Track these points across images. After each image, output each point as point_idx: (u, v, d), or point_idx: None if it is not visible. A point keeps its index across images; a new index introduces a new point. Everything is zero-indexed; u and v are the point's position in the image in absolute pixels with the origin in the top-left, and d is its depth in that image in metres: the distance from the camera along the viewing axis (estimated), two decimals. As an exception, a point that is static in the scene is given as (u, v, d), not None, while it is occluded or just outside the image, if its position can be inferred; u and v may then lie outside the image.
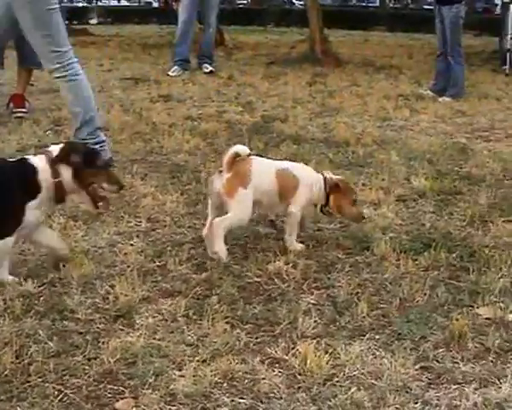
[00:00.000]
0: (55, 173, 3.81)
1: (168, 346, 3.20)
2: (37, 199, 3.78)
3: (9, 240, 3.77)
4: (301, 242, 4.42)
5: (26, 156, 3.94)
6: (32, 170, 3.78)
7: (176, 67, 12.71)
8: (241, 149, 4.23)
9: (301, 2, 39.13)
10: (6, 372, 2.98)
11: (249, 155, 4.28)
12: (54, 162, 3.81)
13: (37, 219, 3.84)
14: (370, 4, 51.36)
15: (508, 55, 13.83)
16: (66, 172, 3.83)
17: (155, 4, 46.73)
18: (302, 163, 4.68)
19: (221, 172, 4.18)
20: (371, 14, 35.13)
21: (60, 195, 3.87)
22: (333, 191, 4.40)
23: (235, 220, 4.20)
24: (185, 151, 6.66)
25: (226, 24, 23.14)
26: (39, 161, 3.82)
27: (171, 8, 17.48)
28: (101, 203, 4.01)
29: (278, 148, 6.84)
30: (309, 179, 4.41)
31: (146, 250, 4.28)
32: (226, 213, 4.17)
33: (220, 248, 4.14)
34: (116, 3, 54.08)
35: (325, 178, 4.43)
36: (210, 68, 12.95)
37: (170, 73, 12.53)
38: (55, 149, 3.87)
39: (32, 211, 3.77)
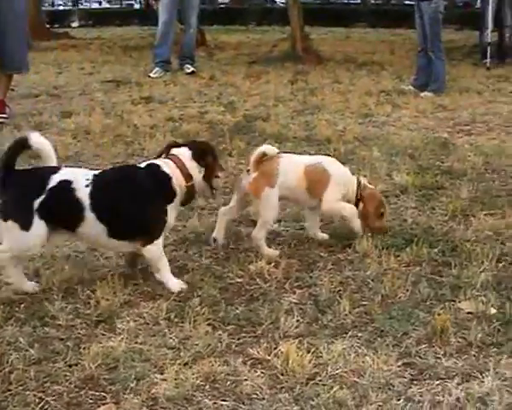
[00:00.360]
0: (188, 177, 3.89)
1: (150, 350, 3.19)
2: (174, 202, 3.87)
3: (160, 242, 3.83)
4: (283, 241, 4.43)
5: (154, 162, 3.94)
6: (167, 176, 3.84)
7: (157, 69, 12.69)
8: (269, 148, 4.30)
9: (282, 1, 39.12)
10: (-15, 382, 2.97)
11: (279, 153, 4.35)
12: (185, 166, 3.90)
13: (174, 220, 3.95)
14: (352, 1, 51.35)
15: (488, 48, 13.88)
16: (197, 174, 3.93)
17: (137, 6, 46.64)
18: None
19: (248, 171, 4.24)
20: (353, 11, 35.14)
21: (190, 196, 3.99)
22: (364, 198, 4.42)
23: (266, 224, 4.28)
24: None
25: (208, 24, 23.14)
26: (170, 166, 3.88)
27: (152, 8, 17.48)
28: (215, 189, 4.15)
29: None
30: (342, 177, 4.45)
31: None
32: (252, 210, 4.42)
33: (268, 253, 4.22)
34: (98, 6, 53.88)
35: (359, 183, 4.46)
36: (191, 69, 12.93)
37: (151, 74, 12.51)
38: (181, 153, 3.93)
39: (172, 214, 3.87)
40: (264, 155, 4.22)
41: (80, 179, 3.72)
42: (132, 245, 3.83)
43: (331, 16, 31.19)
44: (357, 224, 4.42)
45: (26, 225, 3.61)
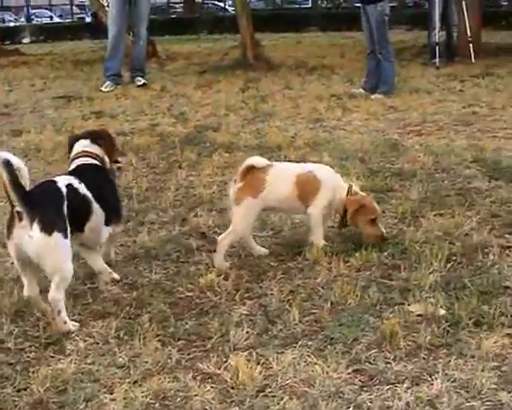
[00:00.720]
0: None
1: (99, 369, 3.17)
2: None
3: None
4: (233, 253, 4.43)
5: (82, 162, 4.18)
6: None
7: (108, 83, 12.62)
8: (258, 161, 4.35)
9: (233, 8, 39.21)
10: None
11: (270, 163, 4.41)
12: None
13: None
14: (303, 6, 51.56)
15: (437, 48, 14.00)
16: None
17: (88, 19, 46.39)
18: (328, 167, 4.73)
19: (235, 181, 4.30)
20: (303, 16, 35.15)
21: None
22: (347, 204, 4.44)
23: (236, 232, 4.32)
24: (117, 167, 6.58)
25: (159, 34, 23.08)
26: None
27: (102, 21, 17.40)
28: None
29: (211, 157, 6.83)
30: (332, 183, 4.48)
31: (77, 273, 4.20)
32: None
33: (220, 264, 4.24)
34: (49, 21, 53.54)
35: (349, 188, 4.48)
36: (142, 81, 12.87)
37: (102, 88, 12.44)
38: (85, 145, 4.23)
39: None
40: (252, 167, 4.25)
41: (73, 181, 3.88)
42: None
43: (282, 22, 31.26)
44: (317, 233, 4.44)
45: (66, 234, 3.61)
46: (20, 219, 3.51)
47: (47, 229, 3.51)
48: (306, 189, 4.40)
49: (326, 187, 4.42)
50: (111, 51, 13.01)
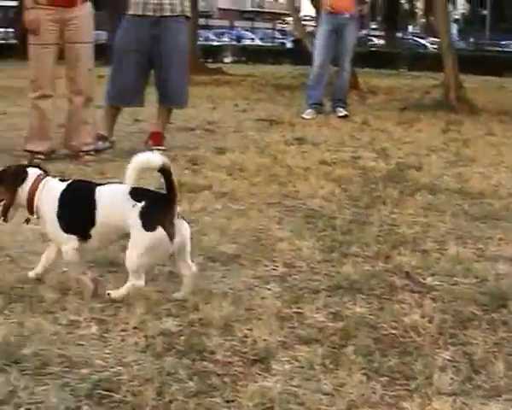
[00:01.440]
0: None
1: (305, 394, 3.25)
2: None
3: None
4: (437, 296, 4.43)
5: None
6: None
7: (310, 110, 12.88)
8: None
9: (435, 46, 38.91)
10: (147, 409, 3.10)
11: None
12: None
13: None
14: (506, 49, 50.48)
15: None
16: None
17: (289, 45, 47.29)
18: None
19: None
20: (507, 60, 34.48)
21: None
22: None
23: None
24: (320, 196, 6.73)
25: (359, 66, 23.27)
26: None
27: (304, 47, 17.70)
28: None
29: (413, 197, 6.84)
30: None
31: (283, 296, 4.36)
32: None
33: None
34: (250, 42, 54.97)
35: None
36: (344, 112, 13.04)
37: (304, 115, 12.70)
38: None
39: None
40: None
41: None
42: None
43: (484, 64, 30.77)
44: None
45: None
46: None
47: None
48: None
49: None
50: (314, 80, 13.28)
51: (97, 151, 8.57)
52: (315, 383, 3.36)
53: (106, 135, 8.91)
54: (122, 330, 3.85)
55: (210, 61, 32.21)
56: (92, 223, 4.16)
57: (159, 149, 8.58)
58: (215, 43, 49.13)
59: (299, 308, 4.17)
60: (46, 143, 8.22)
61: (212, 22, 68.68)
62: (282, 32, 65.17)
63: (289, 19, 50.11)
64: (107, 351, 3.63)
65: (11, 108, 12.70)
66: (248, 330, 3.85)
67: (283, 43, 53.11)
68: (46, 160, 7.83)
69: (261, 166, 7.98)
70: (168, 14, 8.63)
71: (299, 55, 24.55)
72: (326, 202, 6.54)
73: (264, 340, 3.73)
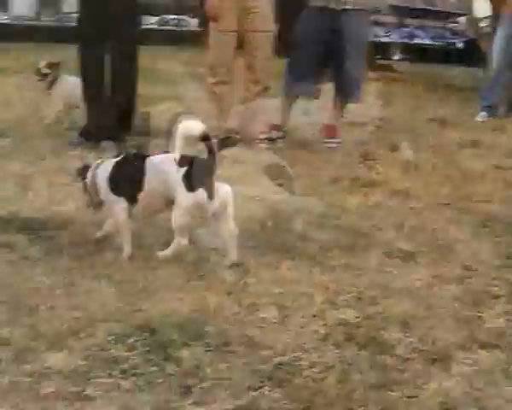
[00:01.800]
0: None
1: (486, 398, 3.22)
2: None
3: None
4: None
5: None
6: None
7: (483, 113, 12.58)
8: None
9: None
10: (329, 394, 3.15)
11: None
12: None
13: None
14: None
15: None
16: None
17: (460, 45, 46.38)
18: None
19: None
20: None
21: None
22: None
23: None
24: (497, 201, 6.50)
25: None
26: None
27: (477, 48, 17.30)
28: None
29: None
30: None
31: (462, 298, 4.32)
32: None
33: None
34: (419, 41, 54.27)
35: None
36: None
37: (477, 118, 12.42)
38: None
39: None
40: None
41: None
42: None
43: None
44: None
45: None
46: None
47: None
48: None
49: None
50: (490, 83, 12.98)
51: (271, 140, 8.68)
52: (496, 389, 3.33)
53: (280, 124, 9.00)
54: (302, 317, 3.93)
55: (378, 57, 31.99)
56: (140, 188, 4.50)
57: (332, 142, 8.66)
58: (383, 40, 48.71)
59: (478, 312, 4.12)
60: (221, 129, 8.40)
61: (381, 19, 68.15)
62: (453, 31, 63.94)
63: (460, 18, 49.10)
64: (287, 336, 3.72)
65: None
66: (428, 328, 3.85)
67: (453, 43, 52.07)
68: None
69: (435, 166, 7.89)
70: (350, 6, 8.60)
71: (471, 55, 24.04)
72: (503, 208, 6.40)
73: (444, 340, 3.72)
